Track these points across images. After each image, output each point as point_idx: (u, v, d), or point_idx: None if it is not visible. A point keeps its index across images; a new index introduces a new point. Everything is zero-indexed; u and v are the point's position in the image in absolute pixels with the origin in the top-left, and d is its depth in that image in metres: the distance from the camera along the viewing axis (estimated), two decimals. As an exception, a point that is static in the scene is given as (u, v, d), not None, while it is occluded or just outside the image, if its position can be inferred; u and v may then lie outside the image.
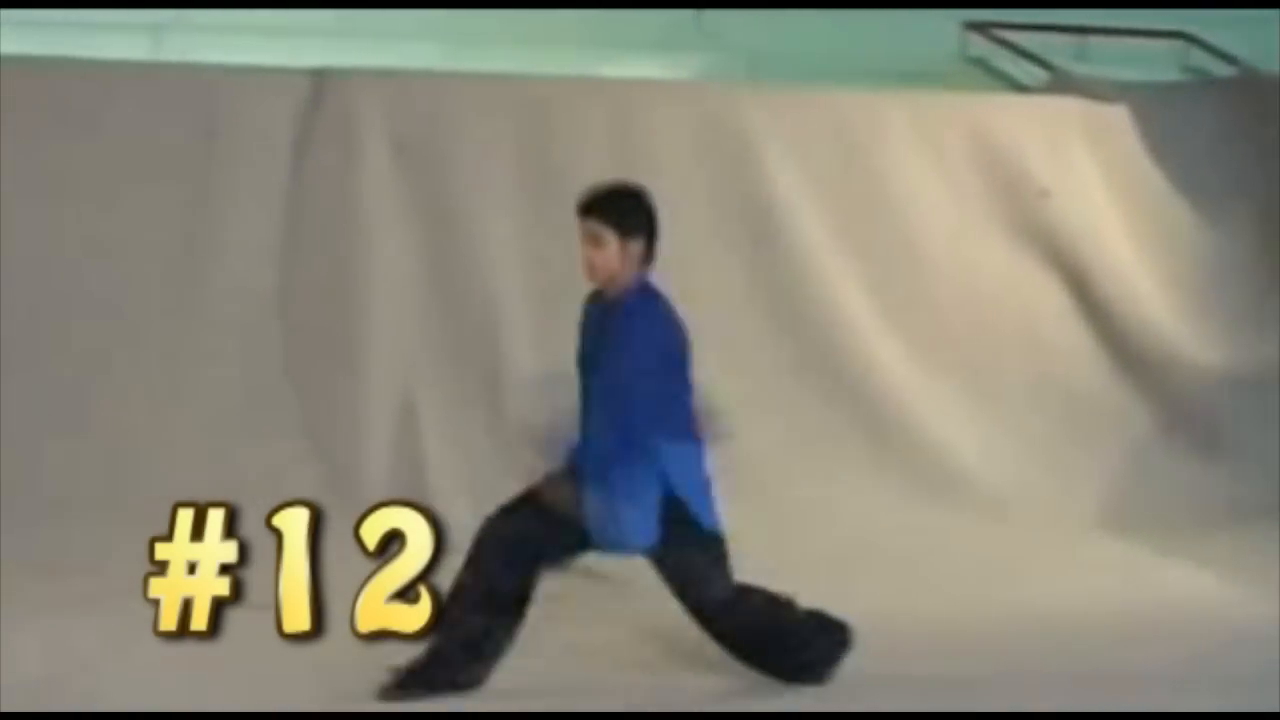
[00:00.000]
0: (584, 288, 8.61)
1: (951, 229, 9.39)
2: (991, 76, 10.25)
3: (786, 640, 6.08)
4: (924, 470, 9.02)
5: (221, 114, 8.45)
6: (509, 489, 8.39)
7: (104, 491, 7.80)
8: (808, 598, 6.21)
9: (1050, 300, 9.58)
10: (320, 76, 8.60)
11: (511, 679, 5.93)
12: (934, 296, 9.34)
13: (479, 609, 5.84)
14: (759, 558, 7.92)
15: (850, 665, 6.14)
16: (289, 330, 8.43)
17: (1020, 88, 10.27)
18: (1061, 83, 10.10)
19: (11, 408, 7.94)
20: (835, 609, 6.19)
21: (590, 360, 6.03)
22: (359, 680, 5.83)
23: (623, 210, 5.93)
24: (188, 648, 5.45)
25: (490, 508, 8.34)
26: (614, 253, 5.90)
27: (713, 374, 8.74)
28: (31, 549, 7.31)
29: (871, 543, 8.26)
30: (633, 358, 5.87)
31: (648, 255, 5.97)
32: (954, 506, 8.83)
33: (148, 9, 8.72)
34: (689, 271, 8.91)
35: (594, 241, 5.91)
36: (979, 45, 10.27)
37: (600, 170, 8.78)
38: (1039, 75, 10.24)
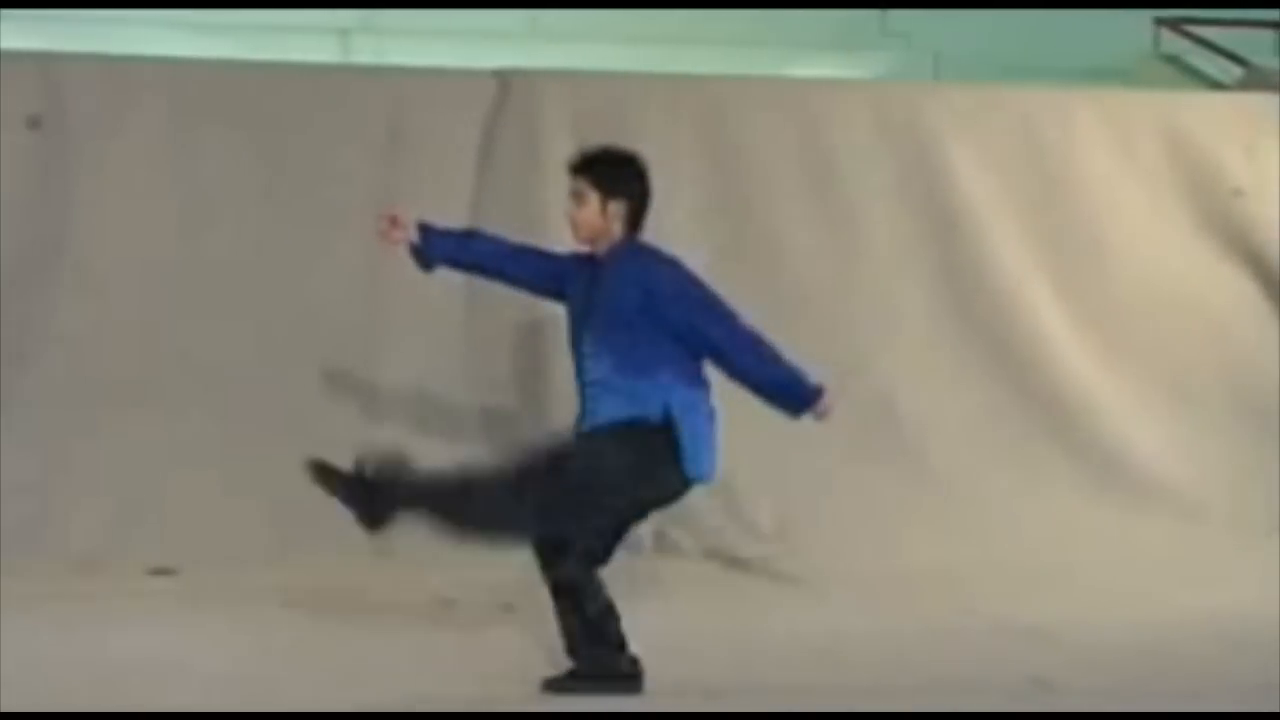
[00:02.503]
0: (763, 285, 8.68)
1: (1141, 229, 9.22)
2: (1184, 73, 10.07)
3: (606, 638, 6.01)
4: (1115, 473, 8.91)
5: (407, 116, 8.50)
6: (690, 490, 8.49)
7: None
8: (1001, 606, 6.16)
9: (1244, 301, 9.39)
10: (505, 78, 8.62)
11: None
12: (1123, 298, 9.18)
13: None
14: (949, 566, 7.93)
15: (1049, 671, 6.03)
16: (473, 329, 8.47)
17: (1214, 85, 10.07)
18: (1257, 79, 9.88)
19: (236, 409, 8.10)
20: (1029, 618, 6.09)
21: (580, 321, 6.04)
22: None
23: (606, 170, 6.04)
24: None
25: (673, 509, 8.36)
26: (594, 211, 5.99)
27: (897, 375, 8.80)
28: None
29: (1064, 548, 8.16)
30: (624, 299, 5.89)
31: (634, 219, 6.03)
32: (1147, 510, 8.70)
33: (336, 10, 8.78)
34: (873, 272, 8.90)
35: (577, 199, 6.03)
36: (1171, 41, 10.09)
37: (784, 170, 8.82)
38: (1233, 71, 10.03)
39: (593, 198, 5.97)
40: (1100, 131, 9.23)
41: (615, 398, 5.89)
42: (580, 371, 6.02)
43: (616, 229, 5.99)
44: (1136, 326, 9.14)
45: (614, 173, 6.03)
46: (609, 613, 5.95)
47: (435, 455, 7.96)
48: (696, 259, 8.48)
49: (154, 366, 8.01)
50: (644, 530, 8.39)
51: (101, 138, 8.11)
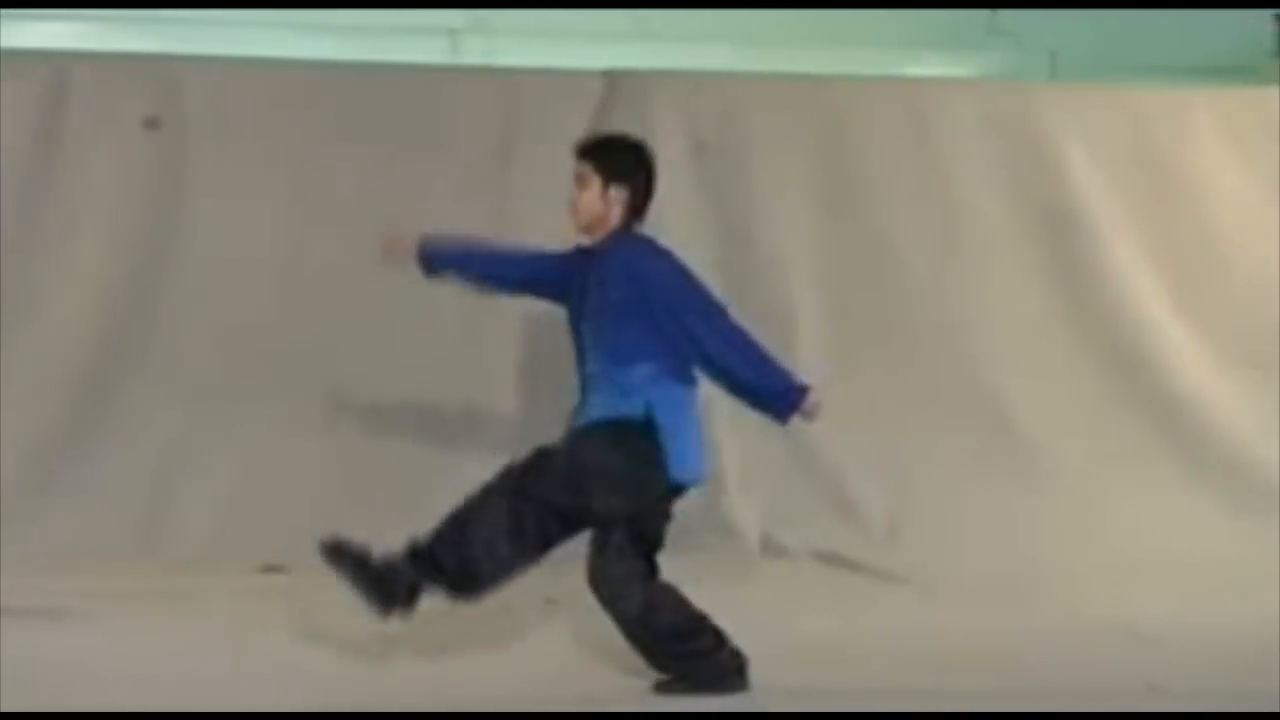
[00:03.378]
0: (874, 285, 8.65)
1: (1260, 231, 9.08)
2: (1305, 73, 9.88)
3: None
4: (1228, 475, 8.78)
5: (516, 116, 8.53)
6: (799, 486, 8.49)
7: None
8: (1113, 608, 6.08)
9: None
10: (615, 78, 8.63)
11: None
12: (1239, 298, 9.06)
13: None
14: (1060, 567, 7.86)
15: (1160, 674, 5.96)
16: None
17: (1337, 83, 9.88)
18: (1379, 77, 9.71)
19: (345, 409, 8.17)
20: (1141, 620, 6.01)
21: (578, 312, 5.98)
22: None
23: (609, 156, 6.00)
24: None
25: (782, 510, 8.45)
26: (595, 196, 5.95)
27: (1008, 375, 8.73)
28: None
29: (1176, 550, 8.07)
30: (614, 289, 5.83)
31: (636, 207, 5.98)
32: (1264, 512, 8.56)
33: (446, 11, 8.81)
34: (984, 271, 8.83)
35: (579, 182, 5.99)
36: (1292, 40, 9.92)
37: (896, 169, 8.78)
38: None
39: (594, 182, 5.95)
40: (1217, 131, 9.11)
41: (604, 393, 5.84)
42: (579, 364, 5.97)
43: (615, 215, 5.95)
44: (1251, 327, 9.00)
45: (618, 158, 6.01)
46: (655, 609, 5.88)
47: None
48: (805, 261, 8.65)
49: (265, 366, 8.07)
50: (751, 531, 8.42)
51: (217, 138, 8.19)
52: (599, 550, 5.88)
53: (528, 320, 8.10)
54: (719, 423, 8.42)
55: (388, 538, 7.37)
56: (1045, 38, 9.40)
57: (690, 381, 5.92)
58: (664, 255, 5.95)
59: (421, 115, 8.38)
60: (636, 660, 5.97)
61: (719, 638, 5.93)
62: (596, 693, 5.96)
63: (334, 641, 6.37)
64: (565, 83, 8.64)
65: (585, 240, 6.01)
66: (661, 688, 5.91)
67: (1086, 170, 8.90)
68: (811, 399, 5.94)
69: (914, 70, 9.53)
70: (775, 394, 5.96)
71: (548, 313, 6.33)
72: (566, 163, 8.41)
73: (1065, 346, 8.86)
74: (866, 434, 8.51)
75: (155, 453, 8.09)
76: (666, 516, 5.95)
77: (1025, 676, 6.27)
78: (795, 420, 6.03)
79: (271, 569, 7.68)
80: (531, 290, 6.20)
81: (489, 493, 5.79)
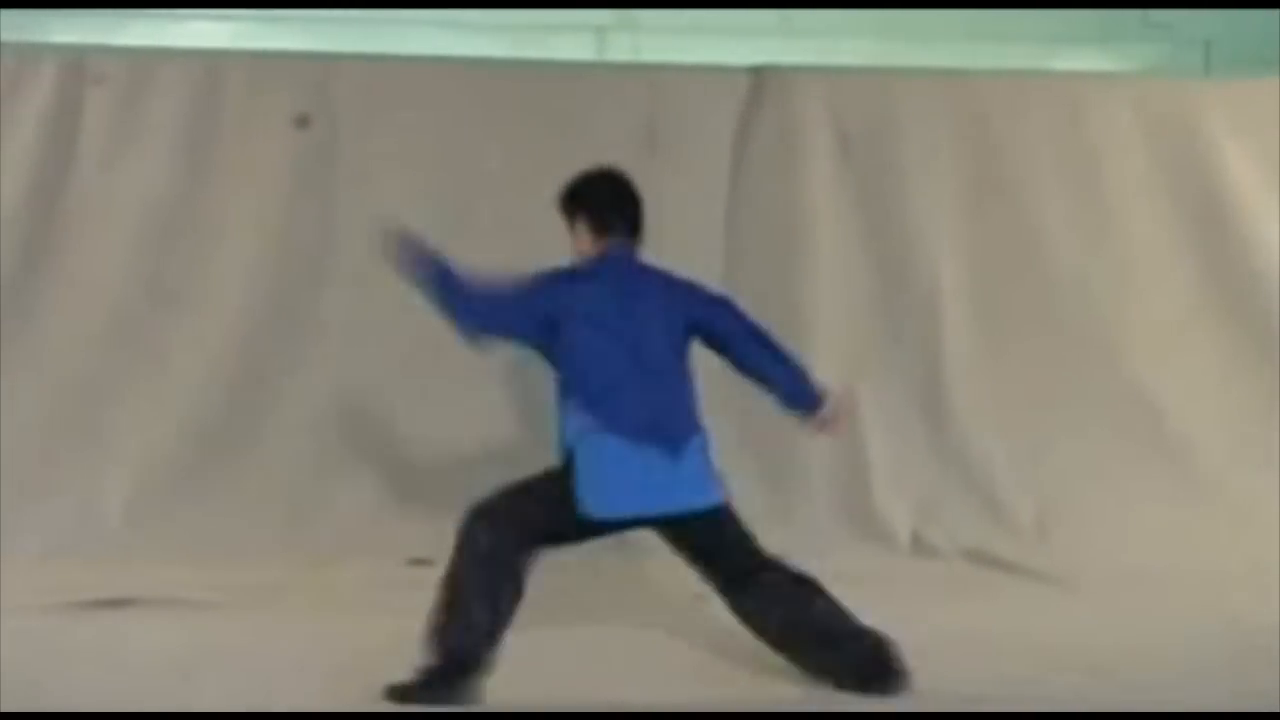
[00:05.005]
0: (1024, 281, 8.58)
1: None
2: None
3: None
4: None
5: (664, 114, 8.54)
6: (948, 484, 8.44)
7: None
8: (1265, 610, 5.98)
9: None
10: (761, 74, 8.62)
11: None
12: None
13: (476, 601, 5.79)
14: (1212, 567, 7.74)
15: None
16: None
17: None
18: None
19: (495, 402, 8.21)
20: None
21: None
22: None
23: (566, 195, 6.16)
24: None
25: (930, 504, 8.40)
26: (577, 238, 6.11)
27: (1160, 373, 8.62)
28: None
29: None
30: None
31: (606, 226, 6.05)
32: None
33: (593, 9, 8.83)
34: (1135, 268, 8.73)
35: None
36: None
37: (1045, 166, 8.69)
38: None
39: (570, 225, 6.10)
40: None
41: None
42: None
43: (591, 245, 6.03)
44: None
45: (570, 193, 6.13)
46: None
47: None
48: (953, 257, 8.59)
49: (416, 359, 8.12)
50: (901, 530, 8.37)
51: (366, 136, 8.26)
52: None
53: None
54: (865, 420, 8.44)
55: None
56: (1200, 30, 9.26)
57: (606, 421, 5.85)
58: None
59: (569, 112, 8.40)
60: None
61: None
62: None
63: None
64: (712, 79, 8.64)
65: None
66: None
67: (1241, 165, 8.77)
68: (830, 407, 6.12)
69: (1063, 64, 9.43)
70: (803, 392, 6.13)
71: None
72: (713, 160, 8.52)
73: (1217, 344, 8.74)
74: (1016, 432, 8.46)
75: (306, 445, 8.17)
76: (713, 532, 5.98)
77: (1171, 678, 6.20)
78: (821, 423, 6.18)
79: (420, 562, 7.72)
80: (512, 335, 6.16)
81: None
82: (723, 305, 6.17)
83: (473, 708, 5.74)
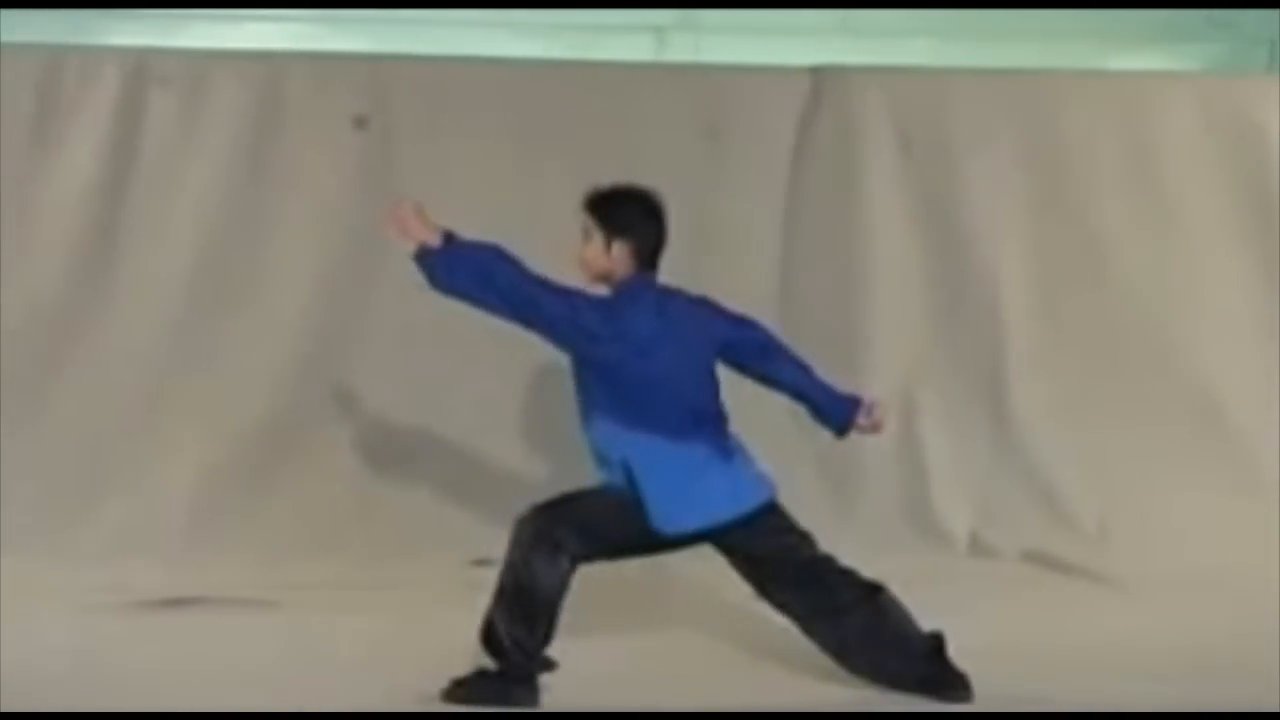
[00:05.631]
0: (1085, 282, 8.53)
1: None
2: None
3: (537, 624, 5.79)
4: None
5: (723, 114, 8.54)
6: (1008, 485, 8.40)
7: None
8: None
9: None
10: (821, 74, 8.60)
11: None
12: None
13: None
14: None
15: None
16: (788, 328, 8.39)
17: None
18: None
19: (556, 400, 8.09)
20: None
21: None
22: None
23: (611, 209, 5.89)
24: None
25: (991, 507, 8.37)
26: (598, 250, 5.87)
27: (1224, 374, 8.56)
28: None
29: None
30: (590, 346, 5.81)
31: (643, 259, 5.88)
32: None
33: (653, 9, 8.83)
34: (1200, 270, 8.68)
35: (584, 236, 5.91)
36: None
37: (1107, 165, 8.64)
38: None
39: (597, 236, 5.89)
40: None
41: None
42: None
43: (621, 269, 5.88)
44: None
45: (621, 212, 5.90)
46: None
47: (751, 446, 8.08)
48: (1014, 258, 8.56)
49: (478, 359, 8.13)
50: (960, 531, 8.34)
51: (425, 137, 8.28)
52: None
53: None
54: (924, 420, 8.41)
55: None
56: (1263, 29, 9.19)
57: (675, 435, 5.81)
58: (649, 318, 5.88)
59: (628, 113, 8.40)
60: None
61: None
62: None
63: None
64: (772, 79, 8.62)
65: (601, 290, 5.94)
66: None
67: (1307, 164, 8.71)
68: (870, 414, 6.15)
69: (1125, 64, 9.38)
70: (838, 404, 6.14)
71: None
72: (773, 160, 8.50)
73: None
74: (1077, 432, 8.42)
75: (368, 444, 8.19)
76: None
77: (1236, 682, 6.14)
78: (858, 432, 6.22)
79: (482, 563, 7.73)
80: (538, 332, 5.98)
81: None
82: (750, 324, 6.14)
83: (531, 709, 5.74)
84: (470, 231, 8.29)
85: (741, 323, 6.10)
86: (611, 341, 5.77)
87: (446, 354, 8.18)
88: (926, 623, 5.95)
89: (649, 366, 5.79)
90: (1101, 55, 9.30)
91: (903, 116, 8.55)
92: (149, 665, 6.22)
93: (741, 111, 8.52)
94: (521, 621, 5.73)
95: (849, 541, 7.80)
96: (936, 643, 5.91)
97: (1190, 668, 6.32)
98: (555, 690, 5.80)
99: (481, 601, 5.86)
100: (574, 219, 8.04)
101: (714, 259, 8.42)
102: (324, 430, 8.22)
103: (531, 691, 5.76)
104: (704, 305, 6.06)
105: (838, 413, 6.15)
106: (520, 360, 8.01)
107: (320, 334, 8.28)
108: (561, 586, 5.76)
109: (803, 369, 6.14)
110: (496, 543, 7.54)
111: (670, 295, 5.98)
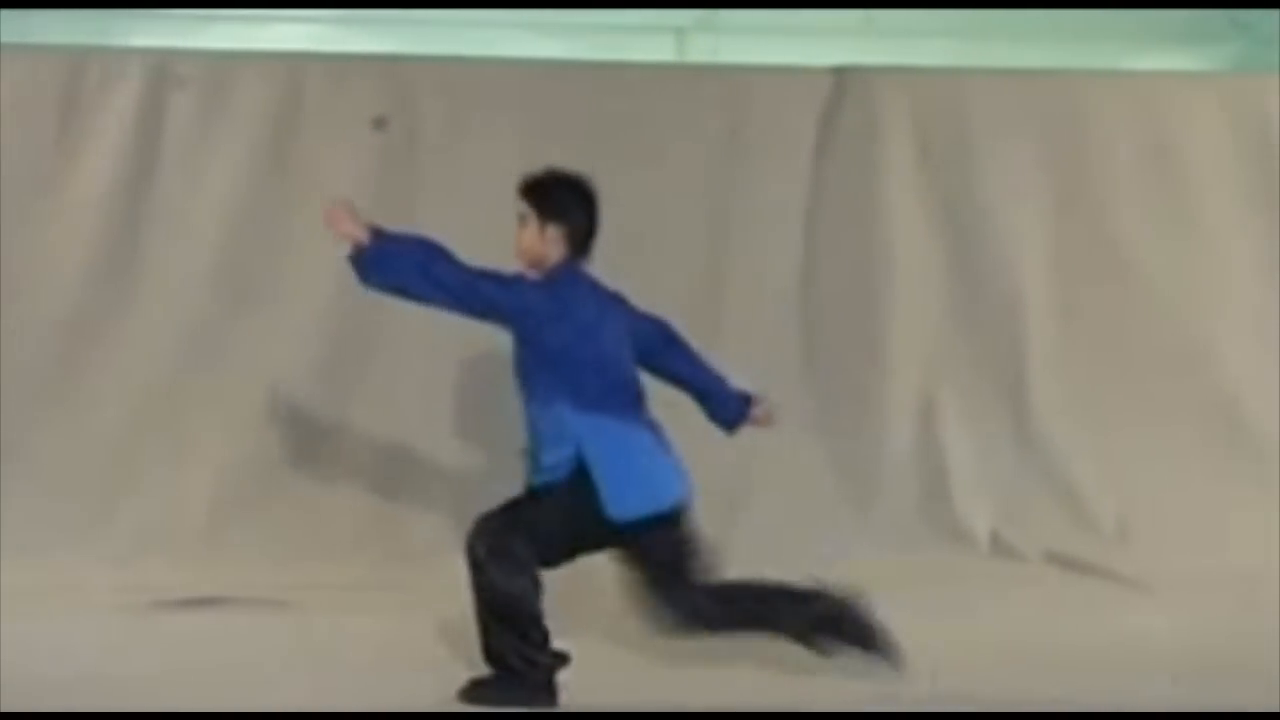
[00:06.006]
0: (1107, 282, 8.51)
1: None
2: None
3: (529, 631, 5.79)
4: None
5: (744, 115, 8.53)
6: (1029, 485, 8.38)
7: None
8: None
9: None
10: (843, 75, 8.59)
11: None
12: None
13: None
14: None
15: None
16: (809, 328, 8.47)
17: None
18: None
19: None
20: None
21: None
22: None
23: (546, 194, 5.91)
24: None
25: (1012, 508, 8.34)
26: (533, 234, 5.87)
27: (1242, 375, 8.55)
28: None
29: None
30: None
31: (576, 244, 5.88)
32: None
33: (673, 10, 8.83)
34: (1219, 269, 8.66)
35: (520, 221, 5.91)
36: None
37: (1128, 165, 8.62)
38: None
39: (531, 220, 5.89)
40: None
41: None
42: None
43: (555, 254, 5.87)
44: None
45: (554, 197, 5.91)
46: None
47: (771, 443, 8.08)
48: (1035, 258, 8.54)
49: (502, 360, 8.11)
50: (981, 531, 8.32)
51: (446, 138, 8.29)
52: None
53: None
54: (944, 420, 8.40)
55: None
56: (1284, 28, 9.18)
57: (616, 414, 5.82)
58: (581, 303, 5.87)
59: (649, 114, 8.40)
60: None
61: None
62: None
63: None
64: (794, 80, 8.62)
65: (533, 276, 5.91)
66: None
67: (1327, 164, 8.69)
68: (758, 409, 6.20)
69: (1147, 64, 9.36)
70: (729, 398, 6.20)
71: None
72: (794, 161, 8.50)
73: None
74: (1097, 431, 8.40)
75: (390, 445, 8.19)
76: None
77: (1258, 683, 6.08)
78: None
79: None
80: (483, 319, 5.96)
81: None
82: (656, 319, 6.17)
83: (548, 708, 5.75)
84: (490, 233, 8.36)
85: (648, 317, 6.13)
86: (558, 322, 5.77)
87: (471, 355, 8.18)
88: (946, 622, 5.94)
89: (594, 347, 5.80)
90: (1122, 55, 9.29)
91: (923, 117, 8.55)
92: (169, 664, 6.24)
93: (762, 112, 8.51)
94: (511, 634, 5.73)
95: (869, 541, 7.90)
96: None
97: (1211, 668, 6.30)
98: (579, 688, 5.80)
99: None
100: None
101: (734, 259, 8.46)
102: (346, 430, 8.22)
103: (550, 691, 5.77)
104: (617, 297, 6.05)
105: (731, 408, 6.21)
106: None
107: (340, 335, 8.27)
108: (534, 589, 5.74)
109: (702, 366, 6.21)
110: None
111: (596, 283, 5.97)
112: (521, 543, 5.73)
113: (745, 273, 8.44)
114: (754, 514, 7.98)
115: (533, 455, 5.88)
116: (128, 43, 8.54)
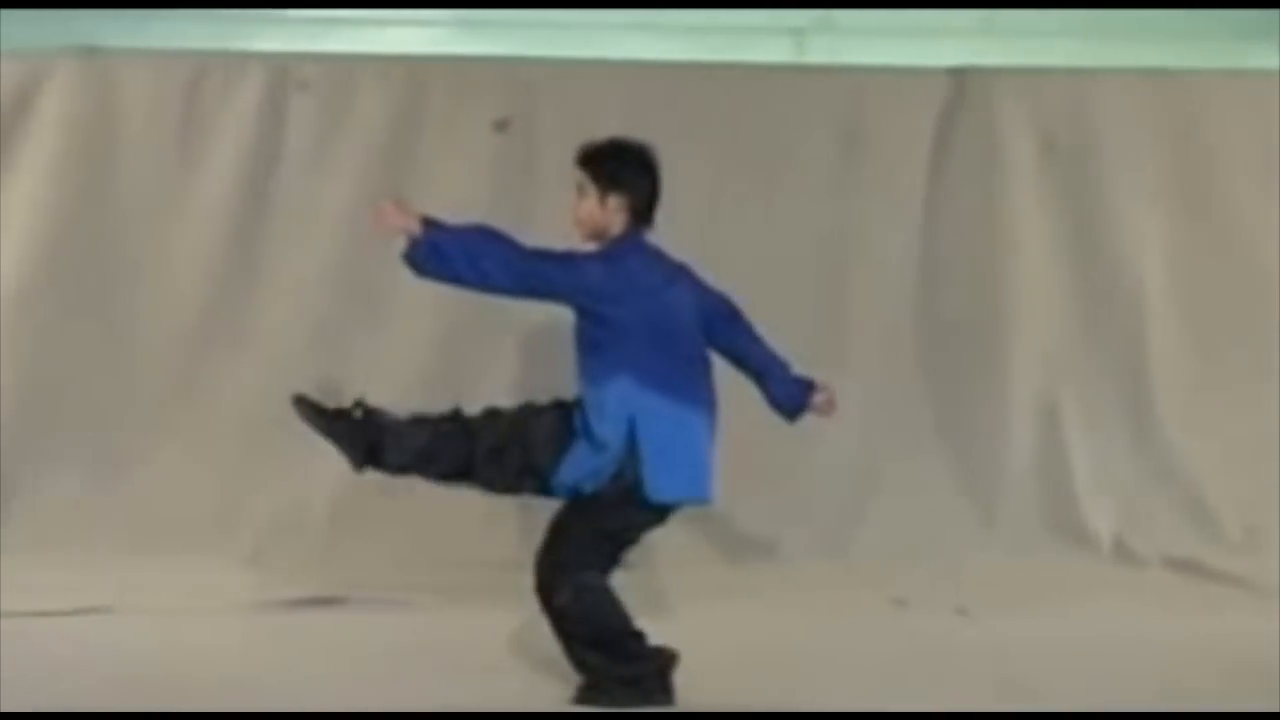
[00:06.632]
0: (1227, 280, 8.41)
1: None
2: None
3: (621, 646, 5.76)
4: None
5: (862, 116, 8.50)
6: (1153, 490, 8.30)
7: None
8: None
9: None
10: (962, 76, 8.55)
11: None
12: None
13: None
14: None
15: None
16: (929, 331, 8.42)
17: None
18: None
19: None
20: None
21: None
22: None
23: (606, 164, 5.81)
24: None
25: (1135, 513, 8.26)
26: (593, 205, 5.78)
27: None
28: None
29: None
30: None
31: (638, 214, 5.78)
32: None
33: (791, 10, 8.81)
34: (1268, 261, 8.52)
35: (578, 192, 5.81)
36: None
37: (1252, 165, 8.51)
38: None
39: (592, 191, 5.79)
40: None
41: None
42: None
43: (617, 224, 5.79)
44: None
45: (614, 165, 5.81)
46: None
47: (892, 448, 8.06)
48: (1158, 260, 8.45)
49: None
50: (1104, 536, 8.24)
51: (567, 140, 8.23)
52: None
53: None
54: (1067, 425, 8.33)
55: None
56: None
57: (677, 398, 5.75)
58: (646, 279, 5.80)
59: (768, 115, 8.40)
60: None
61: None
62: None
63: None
64: (912, 81, 8.58)
65: (593, 248, 5.85)
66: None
67: None
68: (820, 395, 6.04)
69: (1266, 62, 9.24)
70: (796, 388, 6.06)
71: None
72: (912, 162, 8.46)
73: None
74: (1223, 437, 8.30)
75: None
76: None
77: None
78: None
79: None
80: (545, 300, 5.91)
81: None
82: (723, 296, 6.06)
83: (666, 708, 5.76)
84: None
85: (716, 293, 6.03)
86: (620, 294, 5.70)
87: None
88: (1069, 627, 5.90)
89: (658, 320, 5.73)
90: (1243, 54, 9.17)
91: (1044, 118, 8.48)
92: (293, 663, 6.34)
93: (880, 113, 8.48)
94: (605, 653, 5.76)
95: (992, 546, 7.85)
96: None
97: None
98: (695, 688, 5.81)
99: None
100: (715, 221, 8.17)
101: (852, 260, 8.43)
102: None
103: (666, 690, 5.77)
104: (683, 268, 5.97)
105: (793, 392, 6.08)
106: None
107: (458, 335, 8.31)
108: (613, 604, 5.77)
109: (764, 346, 6.08)
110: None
111: (660, 253, 5.90)
112: (582, 566, 5.74)
113: (864, 275, 8.41)
114: (878, 518, 7.97)
115: (587, 426, 5.80)
116: (252, 47, 8.61)
